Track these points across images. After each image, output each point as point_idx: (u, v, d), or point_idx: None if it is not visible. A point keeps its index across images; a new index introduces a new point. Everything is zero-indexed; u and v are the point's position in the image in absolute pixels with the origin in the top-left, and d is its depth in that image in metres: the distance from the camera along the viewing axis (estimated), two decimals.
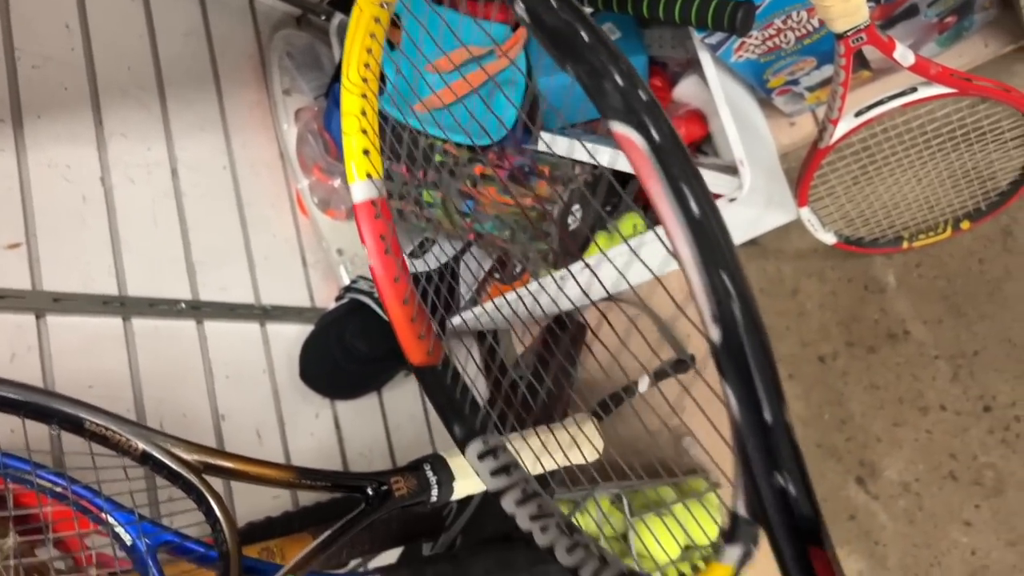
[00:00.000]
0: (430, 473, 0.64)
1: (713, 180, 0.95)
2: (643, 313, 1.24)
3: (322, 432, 1.04)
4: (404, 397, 1.17)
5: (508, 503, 0.47)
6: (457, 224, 1.04)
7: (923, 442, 1.06)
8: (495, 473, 0.48)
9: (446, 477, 0.64)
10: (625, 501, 0.92)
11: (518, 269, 1.23)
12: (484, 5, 1.09)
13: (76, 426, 0.50)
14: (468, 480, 0.65)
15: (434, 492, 0.64)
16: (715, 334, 0.32)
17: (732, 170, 0.95)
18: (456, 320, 1.12)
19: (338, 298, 1.06)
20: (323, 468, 0.63)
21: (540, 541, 0.45)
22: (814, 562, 0.33)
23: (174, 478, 0.53)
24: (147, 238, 0.94)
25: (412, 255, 1.14)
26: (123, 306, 0.87)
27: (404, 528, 0.81)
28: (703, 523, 1.07)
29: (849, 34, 0.69)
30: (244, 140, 1.11)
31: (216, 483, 0.56)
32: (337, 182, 1.13)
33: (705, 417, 0.45)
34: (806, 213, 0.97)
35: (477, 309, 1.10)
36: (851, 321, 1.12)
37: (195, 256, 0.98)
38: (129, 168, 0.95)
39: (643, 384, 1.08)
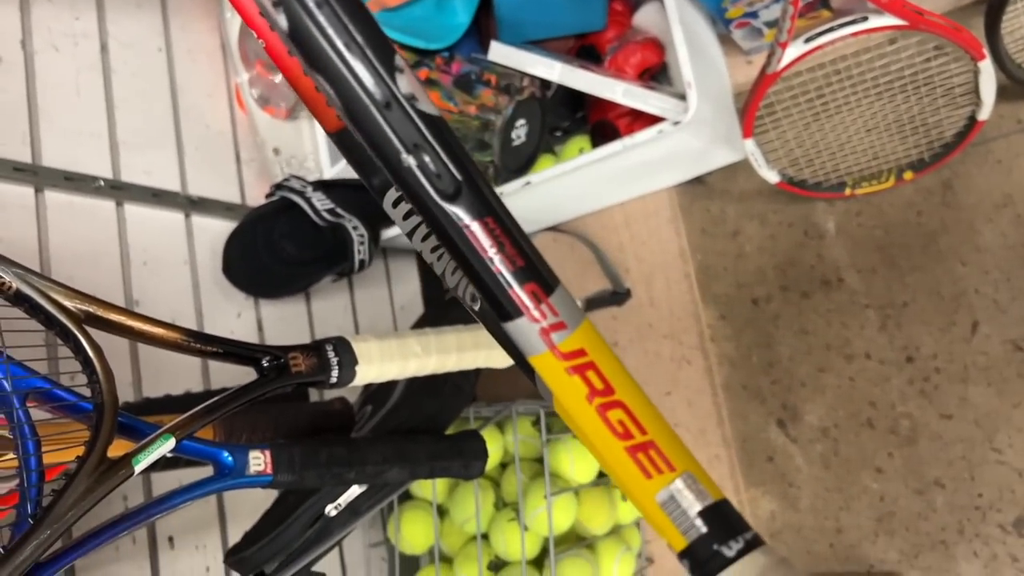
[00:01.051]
0: (331, 354, 0.62)
1: (660, 103, 0.93)
2: (581, 243, 1.23)
3: (243, 331, 1.01)
4: (334, 308, 1.15)
5: (416, 241, 0.47)
6: None
7: (845, 389, 1.07)
8: (406, 216, 0.48)
9: (348, 360, 0.63)
10: (543, 420, 0.91)
11: None
12: None
13: None
14: (371, 366, 0.64)
15: (334, 373, 0.62)
16: (282, 22, 0.28)
17: (682, 97, 0.94)
18: (393, 230, 1.09)
19: (268, 195, 1.02)
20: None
21: (436, 268, 0.45)
22: (469, 235, 0.31)
23: (50, 323, 0.50)
24: (68, 110, 0.90)
25: None
26: (35, 175, 0.83)
27: (312, 423, 0.79)
28: None
29: None
30: (183, 24, 1.06)
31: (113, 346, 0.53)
32: (279, 78, 1.09)
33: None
34: (750, 146, 0.96)
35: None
36: (788, 266, 1.12)
37: (120, 135, 0.94)
38: (54, 35, 0.90)
39: None
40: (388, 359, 0.65)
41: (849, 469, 1.06)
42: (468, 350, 0.71)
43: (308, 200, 0.99)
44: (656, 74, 1.10)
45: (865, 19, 0.77)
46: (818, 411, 1.09)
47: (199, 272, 0.98)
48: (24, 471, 0.48)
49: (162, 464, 0.62)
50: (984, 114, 0.89)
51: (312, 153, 1.13)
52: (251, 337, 1.02)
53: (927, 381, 1.02)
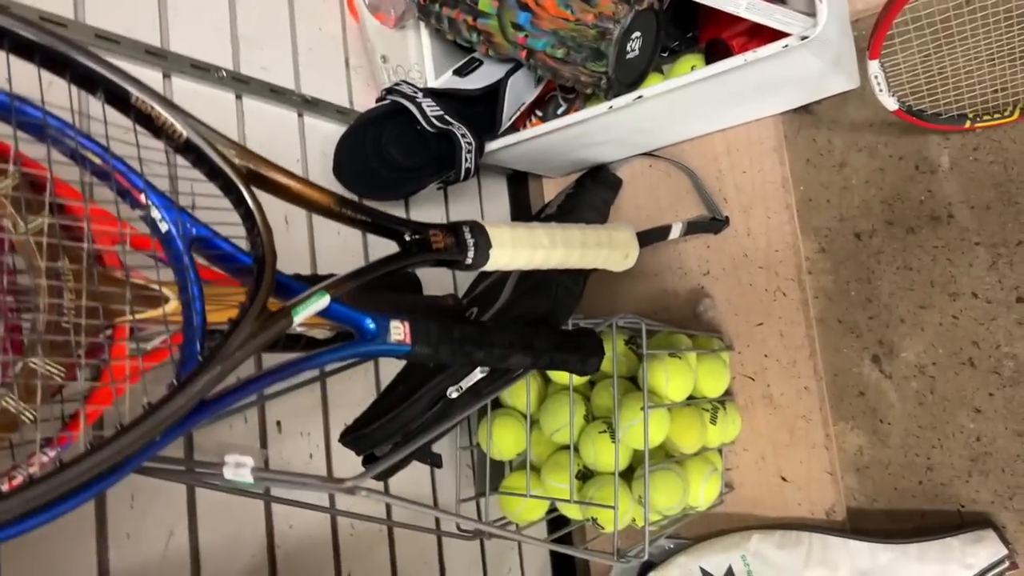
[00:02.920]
0: (468, 235, 0.63)
1: (786, 17, 0.90)
2: (679, 169, 1.22)
3: (348, 233, 1.03)
4: (429, 218, 1.16)
5: None
6: (510, 38, 1.00)
7: (947, 327, 1.05)
8: None
9: (483, 243, 0.63)
10: (644, 332, 0.91)
11: (562, 109, 1.20)
12: None
13: (122, 100, 0.48)
14: (504, 251, 0.64)
15: (470, 254, 0.62)
16: None
17: (805, 14, 0.91)
18: (495, 144, 1.09)
19: (379, 99, 1.03)
20: (348, 266, 0.61)
21: None
22: None
23: (215, 175, 0.51)
24: None
25: (457, 72, 1.10)
26: (165, 60, 0.85)
27: (427, 314, 0.80)
28: (713, 375, 1.08)
29: None
30: None
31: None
32: None
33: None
34: (875, 68, 0.93)
35: (520, 134, 1.07)
36: (895, 200, 1.09)
37: (240, 29, 0.95)
38: None
39: (676, 230, 1.06)
40: (519, 246, 0.65)
41: (945, 408, 1.05)
42: (591, 247, 0.71)
43: (419, 105, 0.99)
44: None
45: None
46: (916, 348, 1.07)
47: (310, 171, 1.00)
48: (191, 313, 0.50)
49: (300, 345, 0.65)
50: None
51: (418, 63, 1.13)
52: (355, 237, 1.03)
53: None
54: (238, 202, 0.52)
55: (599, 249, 0.72)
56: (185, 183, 0.53)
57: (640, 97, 0.97)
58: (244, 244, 0.54)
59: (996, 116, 1.00)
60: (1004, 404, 1.01)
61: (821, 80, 1.05)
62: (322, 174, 1.00)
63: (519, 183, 1.38)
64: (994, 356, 1.02)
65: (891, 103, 0.99)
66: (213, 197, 0.53)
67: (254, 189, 0.53)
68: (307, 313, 0.52)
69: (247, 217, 0.52)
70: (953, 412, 1.04)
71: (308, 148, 1.00)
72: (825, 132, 1.15)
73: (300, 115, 1.01)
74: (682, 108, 1.05)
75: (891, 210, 1.10)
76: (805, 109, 1.16)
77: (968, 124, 1.02)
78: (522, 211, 1.38)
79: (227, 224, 0.54)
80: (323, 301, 0.53)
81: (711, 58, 1.06)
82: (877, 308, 1.10)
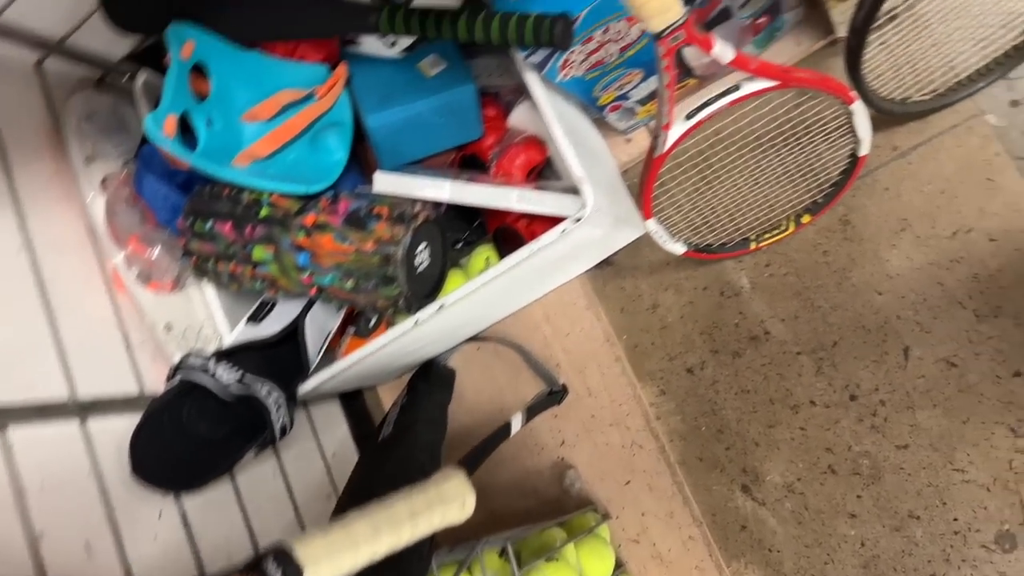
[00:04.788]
0: (273, 569, 0.55)
1: (557, 203, 0.91)
2: (506, 347, 1.20)
3: (168, 533, 0.92)
4: (262, 477, 1.07)
5: None
6: (295, 279, 0.96)
7: (799, 440, 1.06)
8: None
9: (293, 571, 0.56)
10: (511, 551, 0.85)
11: (372, 322, 1.16)
12: (297, 46, 1.02)
13: None
14: (321, 566, 0.57)
15: None
16: None
17: (575, 191, 0.93)
18: (310, 383, 1.03)
19: (168, 379, 0.95)
20: None
21: None
22: None
23: None
24: None
25: (251, 318, 1.04)
26: None
27: None
28: (597, 558, 1.03)
29: (666, 33, 0.67)
30: (43, 217, 0.99)
31: None
32: (157, 251, 1.02)
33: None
34: (652, 225, 0.96)
35: (333, 367, 1.02)
36: (712, 328, 1.11)
37: None
38: None
39: (516, 423, 1.02)
40: (338, 553, 0.58)
41: (823, 521, 1.04)
42: (421, 514, 0.65)
43: (212, 375, 0.92)
44: (542, 169, 1.09)
45: (738, 87, 0.78)
46: (778, 468, 1.07)
47: (106, 480, 0.89)
48: None
49: None
50: (864, 150, 0.91)
51: (207, 320, 1.06)
52: (178, 535, 0.93)
53: (875, 415, 1.02)
54: None
55: (431, 512, 0.66)
56: None
57: (442, 307, 0.95)
58: None
59: (775, 232, 1.05)
60: (874, 503, 1.01)
61: (610, 238, 1.07)
62: (122, 479, 0.89)
63: (353, 399, 1.31)
64: (849, 458, 1.03)
65: (677, 248, 1.01)
66: None
67: None
68: None
69: None
70: (832, 523, 1.04)
71: (99, 456, 0.89)
72: (630, 279, 1.17)
73: (83, 422, 0.90)
74: (488, 299, 1.04)
75: (712, 339, 1.12)
76: (606, 263, 1.18)
77: (753, 245, 1.06)
78: (363, 425, 1.31)
79: None
80: None
81: (501, 245, 1.06)
82: (731, 437, 1.10)
